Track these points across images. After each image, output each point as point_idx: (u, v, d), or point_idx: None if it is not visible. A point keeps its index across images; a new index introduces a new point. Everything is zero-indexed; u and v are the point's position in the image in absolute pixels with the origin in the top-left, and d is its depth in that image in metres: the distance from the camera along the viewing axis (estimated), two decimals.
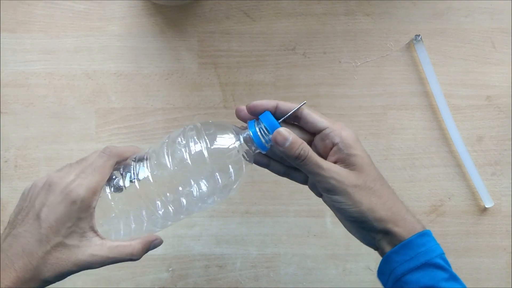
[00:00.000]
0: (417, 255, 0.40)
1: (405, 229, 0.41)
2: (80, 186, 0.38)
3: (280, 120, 0.41)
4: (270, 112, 0.41)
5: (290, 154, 0.40)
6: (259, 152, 0.43)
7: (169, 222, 0.43)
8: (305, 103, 0.41)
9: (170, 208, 0.41)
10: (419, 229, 0.41)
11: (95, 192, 0.39)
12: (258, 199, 0.61)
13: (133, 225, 0.42)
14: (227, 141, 0.41)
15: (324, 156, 0.42)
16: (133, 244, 0.40)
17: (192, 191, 0.41)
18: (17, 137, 0.61)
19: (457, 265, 0.61)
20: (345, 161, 0.41)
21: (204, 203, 0.42)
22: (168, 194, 0.41)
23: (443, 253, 0.41)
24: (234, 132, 0.42)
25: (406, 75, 0.61)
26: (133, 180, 0.41)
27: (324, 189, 0.41)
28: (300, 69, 0.61)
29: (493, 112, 0.61)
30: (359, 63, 0.61)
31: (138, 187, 0.41)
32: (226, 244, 0.61)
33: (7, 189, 0.61)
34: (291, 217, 0.61)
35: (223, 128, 0.42)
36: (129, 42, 0.61)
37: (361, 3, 0.61)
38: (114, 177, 0.41)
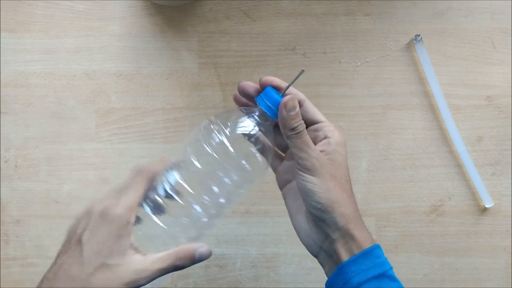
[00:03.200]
0: (374, 265, 0.41)
1: (362, 236, 0.41)
2: (116, 205, 0.38)
3: (282, 92, 0.42)
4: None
5: (290, 123, 0.41)
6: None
7: (214, 221, 0.43)
8: (303, 70, 0.42)
9: (209, 206, 0.41)
10: (372, 240, 0.42)
11: (131, 208, 0.39)
12: (258, 199, 0.61)
13: (179, 235, 0.41)
14: (246, 124, 0.42)
15: None
16: (177, 250, 0.40)
17: (225, 183, 0.41)
18: (17, 137, 0.61)
19: (457, 265, 0.61)
20: (329, 154, 0.42)
21: (241, 189, 0.43)
22: (204, 194, 0.41)
23: (392, 268, 0.43)
24: (246, 114, 0.42)
25: (406, 75, 0.61)
26: (168, 191, 0.41)
27: (304, 166, 0.41)
28: (300, 69, 0.61)
29: (493, 112, 0.61)
30: (359, 63, 0.61)
31: (174, 196, 0.41)
32: (226, 244, 0.61)
33: (7, 189, 0.61)
34: None
35: (236, 115, 0.42)
36: (129, 42, 0.61)
37: (361, 3, 0.61)
38: (150, 194, 0.41)
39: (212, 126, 0.42)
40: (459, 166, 0.61)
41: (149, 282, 0.38)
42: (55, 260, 0.39)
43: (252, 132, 0.42)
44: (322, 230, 0.42)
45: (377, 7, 0.61)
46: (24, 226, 0.61)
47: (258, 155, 0.42)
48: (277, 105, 0.41)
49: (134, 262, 0.38)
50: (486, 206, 0.60)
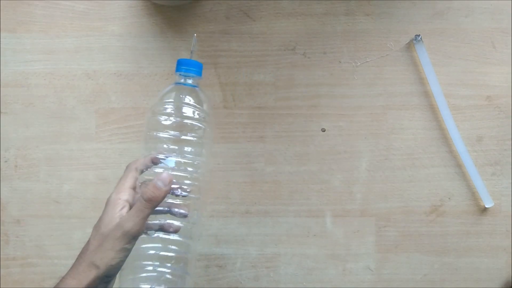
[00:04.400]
0: None
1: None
2: (112, 193, 0.46)
3: (190, 56, 0.49)
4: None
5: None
6: None
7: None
8: (195, 35, 0.51)
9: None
10: None
11: (122, 190, 0.46)
12: (258, 199, 0.61)
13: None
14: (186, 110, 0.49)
15: None
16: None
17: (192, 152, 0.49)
18: (17, 137, 0.61)
19: (457, 265, 0.61)
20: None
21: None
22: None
23: None
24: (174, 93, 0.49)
25: (406, 75, 0.61)
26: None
27: None
28: (300, 69, 0.61)
29: (493, 112, 0.61)
30: (359, 63, 0.61)
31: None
32: (226, 244, 0.61)
33: (7, 189, 0.61)
34: (291, 217, 0.61)
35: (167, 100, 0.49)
36: (129, 42, 0.61)
37: (361, 3, 0.61)
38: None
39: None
40: (459, 166, 0.61)
41: (135, 226, 0.43)
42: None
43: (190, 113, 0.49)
44: None
45: (377, 7, 0.61)
46: (24, 226, 0.61)
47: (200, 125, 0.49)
48: (193, 63, 0.48)
49: (116, 221, 0.44)
50: (486, 206, 0.60)
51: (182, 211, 0.47)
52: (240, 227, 0.61)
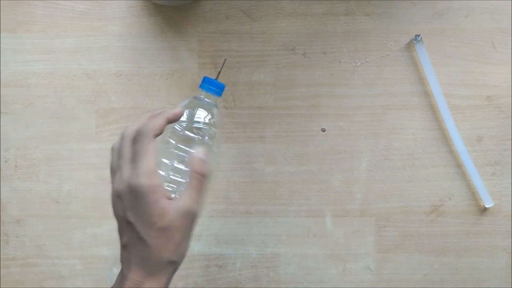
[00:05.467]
0: None
1: None
2: (138, 177, 0.40)
3: (216, 77, 0.51)
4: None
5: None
6: None
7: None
8: (226, 59, 0.52)
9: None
10: None
11: (153, 172, 0.40)
12: (258, 199, 0.61)
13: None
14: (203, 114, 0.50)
15: None
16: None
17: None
18: (17, 137, 0.61)
19: (457, 265, 0.61)
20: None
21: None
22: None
23: None
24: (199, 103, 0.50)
25: (406, 75, 0.61)
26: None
27: None
28: (300, 69, 0.61)
29: (493, 112, 0.61)
30: (359, 63, 0.61)
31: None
32: (226, 244, 0.61)
33: (7, 189, 0.61)
34: (291, 217, 0.61)
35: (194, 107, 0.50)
36: (129, 42, 0.61)
37: (361, 3, 0.61)
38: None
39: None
40: (459, 166, 0.61)
41: (201, 206, 0.41)
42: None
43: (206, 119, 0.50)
44: None
45: (377, 7, 0.61)
46: (24, 226, 0.61)
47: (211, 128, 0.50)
48: (216, 84, 0.50)
49: (174, 209, 0.40)
50: (486, 206, 0.60)
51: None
52: (240, 227, 0.61)
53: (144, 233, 0.39)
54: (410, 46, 0.61)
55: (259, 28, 0.61)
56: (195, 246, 0.61)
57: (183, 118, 0.47)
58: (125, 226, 0.40)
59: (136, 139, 0.41)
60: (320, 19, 0.61)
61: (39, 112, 0.61)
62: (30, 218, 0.61)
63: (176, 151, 0.48)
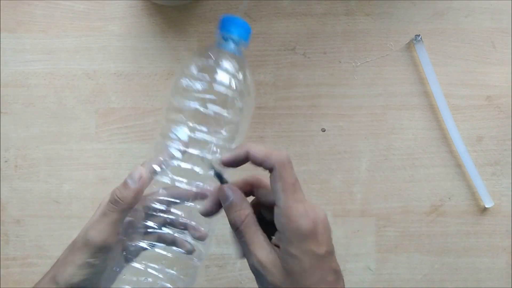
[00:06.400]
0: None
1: None
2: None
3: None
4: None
5: (227, 216, 0.34)
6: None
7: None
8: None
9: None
10: None
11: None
12: None
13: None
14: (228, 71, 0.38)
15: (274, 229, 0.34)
16: None
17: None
18: (17, 137, 0.61)
19: (457, 265, 0.61)
20: (283, 256, 0.33)
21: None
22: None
23: None
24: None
25: (406, 75, 0.61)
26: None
27: (251, 268, 0.34)
28: (300, 69, 0.61)
29: (493, 112, 0.61)
30: (359, 63, 0.61)
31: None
32: (226, 244, 0.61)
33: (7, 189, 0.61)
34: None
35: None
36: (129, 42, 0.61)
37: (361, 3, 0.61)
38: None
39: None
40: (459, 166, 0.61)
41: (100, 234, 0.35)
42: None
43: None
44: None
45: (377, 7, 0.61)
46: (24, 226, 0.61)
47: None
48: (238, 23, 0.37)
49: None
50: (486, 206, 0.60)
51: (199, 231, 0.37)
52: None
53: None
54: (410, 46, 0.61)
55: (259, 28, 0.61)
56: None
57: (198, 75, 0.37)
58: None
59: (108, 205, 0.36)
60: (320, 19, 0.61)
61: (39, 112, 0.61)
62: (30, 218, 0.61)
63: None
